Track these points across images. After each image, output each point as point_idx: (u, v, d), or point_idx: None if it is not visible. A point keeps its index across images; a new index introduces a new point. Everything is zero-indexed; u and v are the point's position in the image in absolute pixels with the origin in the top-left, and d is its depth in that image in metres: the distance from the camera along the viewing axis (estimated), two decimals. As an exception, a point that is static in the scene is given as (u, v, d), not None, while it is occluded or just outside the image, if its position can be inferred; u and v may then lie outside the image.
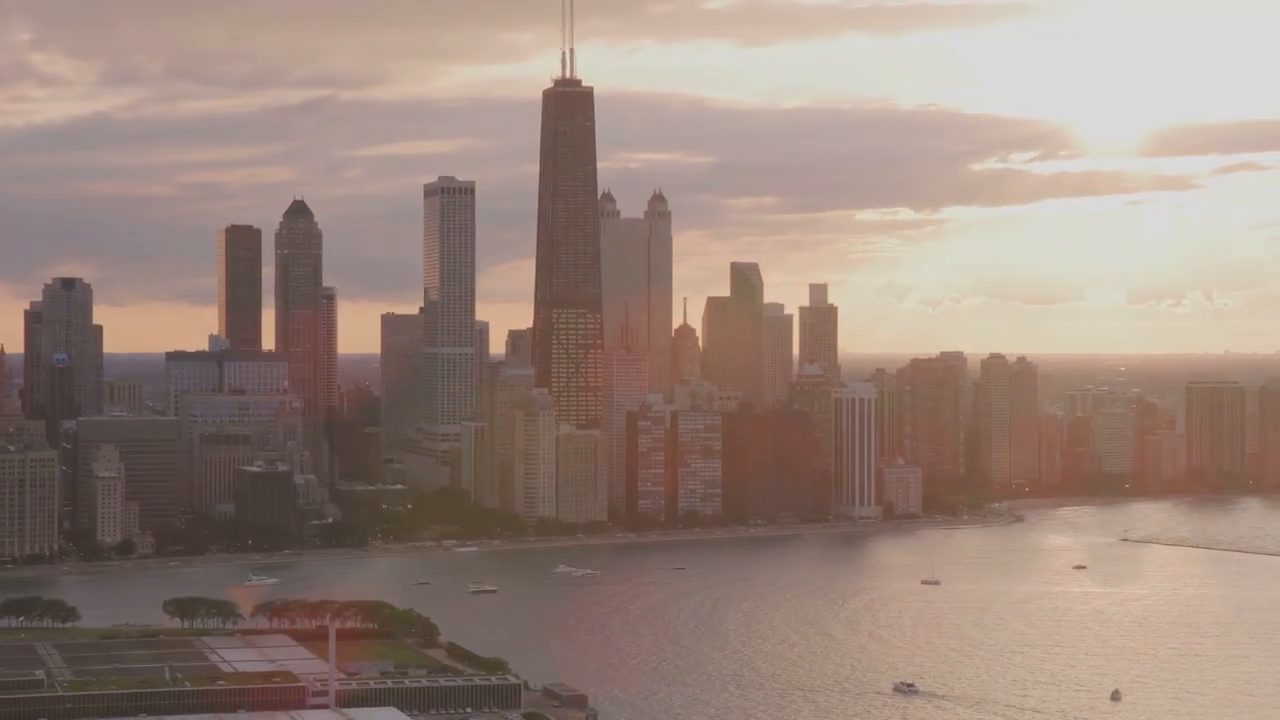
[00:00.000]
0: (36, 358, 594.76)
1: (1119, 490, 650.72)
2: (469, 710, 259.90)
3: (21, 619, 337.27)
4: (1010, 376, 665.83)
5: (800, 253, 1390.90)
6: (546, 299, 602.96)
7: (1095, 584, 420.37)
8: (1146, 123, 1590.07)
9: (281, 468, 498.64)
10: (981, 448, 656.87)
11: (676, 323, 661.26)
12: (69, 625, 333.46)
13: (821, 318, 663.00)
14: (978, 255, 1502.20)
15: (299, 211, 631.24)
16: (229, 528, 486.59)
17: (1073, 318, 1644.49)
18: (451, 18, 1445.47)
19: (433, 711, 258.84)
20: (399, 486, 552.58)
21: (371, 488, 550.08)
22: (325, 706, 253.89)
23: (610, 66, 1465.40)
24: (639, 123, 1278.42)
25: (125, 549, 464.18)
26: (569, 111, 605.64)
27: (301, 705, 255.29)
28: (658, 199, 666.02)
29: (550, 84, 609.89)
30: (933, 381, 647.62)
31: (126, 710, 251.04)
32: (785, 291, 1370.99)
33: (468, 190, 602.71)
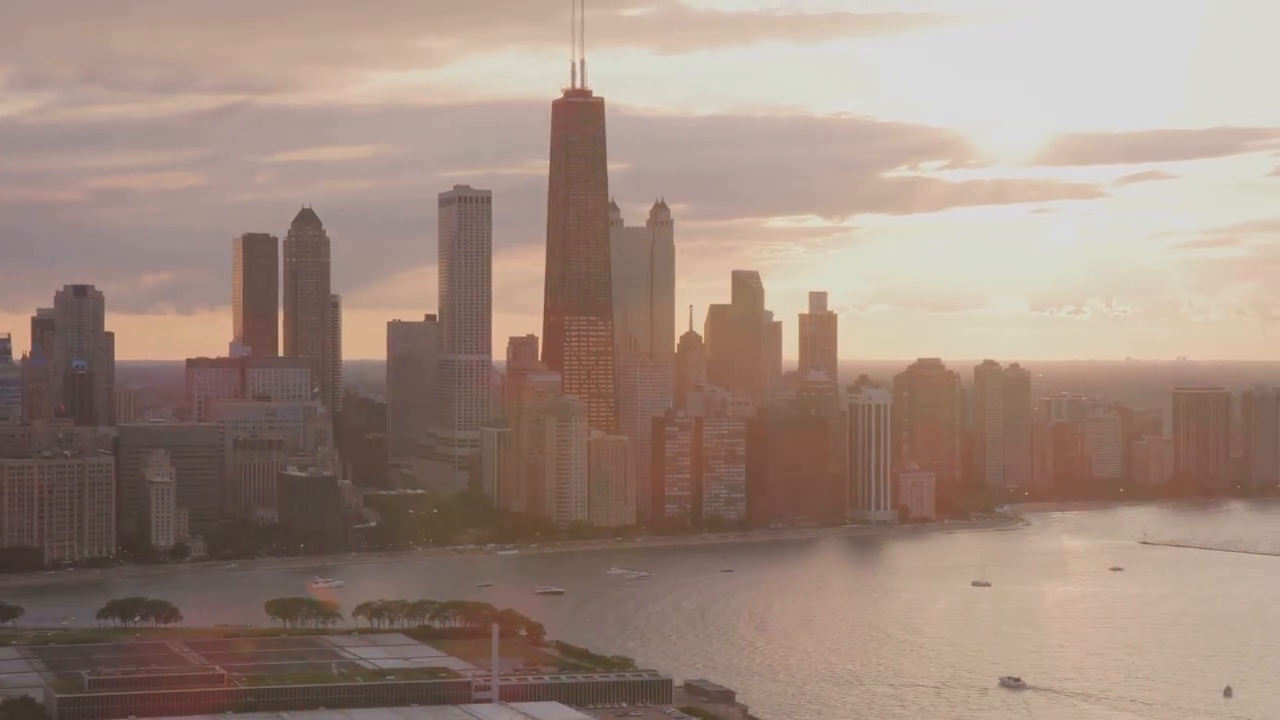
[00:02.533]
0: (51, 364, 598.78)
1: (1112, 494, 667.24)
2: (624, 705, 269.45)
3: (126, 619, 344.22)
4: (1004, 383, 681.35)
5: (708, 259, 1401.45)
6: (558, 306, 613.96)
7: (1139, 585, 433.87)
8: (1055, 132, 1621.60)
9: (326, 473, 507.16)
10: (976, 452, 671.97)
11: (678, 330, 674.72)
12: (171, 625, 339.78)
13: (821, 325, 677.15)
14: (884, 263, 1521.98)
15: (307, 220, 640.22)
16: (278, 531, 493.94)
17: (974, 325, 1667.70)
18: (369, 23, 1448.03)
19: (590, 707, 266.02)
20: (421, 491, 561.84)
21: (394, 493, 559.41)
22: (489, 701, 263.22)
23: (526, 75, 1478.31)
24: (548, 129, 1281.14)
25: (179, 552, 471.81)
26: (580, 121, 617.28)
27: (468, 700, 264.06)
28: (660, 208, 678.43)
29: (560, 94, 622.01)
30: (929, 388, 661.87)
31: (304, 704, 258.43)
32: (694, 297, 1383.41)
33: (484, 199, 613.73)
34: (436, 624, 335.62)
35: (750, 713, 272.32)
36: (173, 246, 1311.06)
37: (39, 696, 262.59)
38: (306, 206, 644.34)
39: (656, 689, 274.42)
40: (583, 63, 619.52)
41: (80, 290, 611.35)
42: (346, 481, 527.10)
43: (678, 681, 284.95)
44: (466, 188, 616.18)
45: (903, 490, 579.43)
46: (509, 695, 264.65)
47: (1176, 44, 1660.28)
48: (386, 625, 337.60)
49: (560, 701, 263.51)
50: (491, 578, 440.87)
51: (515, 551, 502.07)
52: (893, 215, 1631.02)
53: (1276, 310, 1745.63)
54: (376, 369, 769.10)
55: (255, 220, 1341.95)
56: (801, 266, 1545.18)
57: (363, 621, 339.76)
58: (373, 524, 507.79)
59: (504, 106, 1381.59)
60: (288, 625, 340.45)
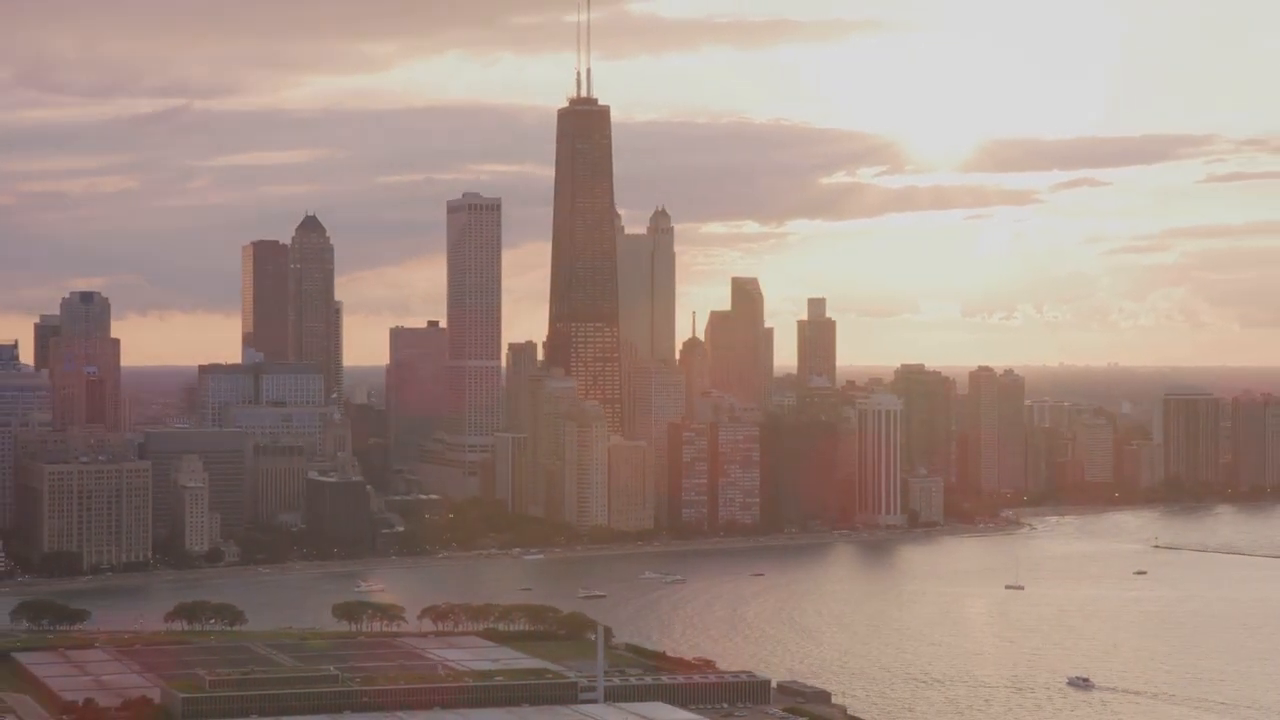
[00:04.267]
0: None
1: (1106, 499, 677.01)
2: (725, 706, 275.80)
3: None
4: (998, 389, 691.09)
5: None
6: (564, 313, 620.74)
7: (1167, 588, 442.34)
8: (992, 139, 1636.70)
9: (355, 478, 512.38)
10: (971, 457, 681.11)
11: (678, 336, 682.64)
12: (236, 629, 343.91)
13: (820, 331, 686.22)
14: (818, 268, 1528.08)
15: (311, 226, 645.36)
16: (308, 536, 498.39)
17: (906, 330, 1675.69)
18: (309, 28, 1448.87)
19: (692, 707, 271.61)
20: (435, 496, 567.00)
21: (409, 498, 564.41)
22: (595, 702, 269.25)
23: (470, 79, 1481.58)
24: (491, 134, 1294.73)
25: (213, 557, 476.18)
26: (586, 129, 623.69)
27: (574, 700, 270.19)
28: (661, 215, 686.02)
29: (565, 103, 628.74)
30: (924, 393, 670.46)
31: (419, 704, 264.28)
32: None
33: (494, 207, 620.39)
34: (501, 627, 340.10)
35: (851, 713, 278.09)
36: (106, 251, 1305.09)
37: (154, 697, 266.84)
38: (310, 213, 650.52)
39: (755, 690, 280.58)
40: (589, 72, 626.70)
41: (87, 297, 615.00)
42: (369, 487, 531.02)
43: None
44: (476, 195, 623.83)
45: (912, 495, 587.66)
46: (614, 696, 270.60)
47: (1111, 52, 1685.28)
48: (450, 628, 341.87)
49: (664, 702, 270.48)
50: (526, 582, 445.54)
51: (540, 556, 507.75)
52: (829, 221, 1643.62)
53: (1205, 316, 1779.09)
54: (364, 374, 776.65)
55: (189, 225, 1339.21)
56: (737, 273, 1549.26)
57: (427, 624, 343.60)
58: (400, 529, 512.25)
59: (445, 111, 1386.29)
60: (350, 627, 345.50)
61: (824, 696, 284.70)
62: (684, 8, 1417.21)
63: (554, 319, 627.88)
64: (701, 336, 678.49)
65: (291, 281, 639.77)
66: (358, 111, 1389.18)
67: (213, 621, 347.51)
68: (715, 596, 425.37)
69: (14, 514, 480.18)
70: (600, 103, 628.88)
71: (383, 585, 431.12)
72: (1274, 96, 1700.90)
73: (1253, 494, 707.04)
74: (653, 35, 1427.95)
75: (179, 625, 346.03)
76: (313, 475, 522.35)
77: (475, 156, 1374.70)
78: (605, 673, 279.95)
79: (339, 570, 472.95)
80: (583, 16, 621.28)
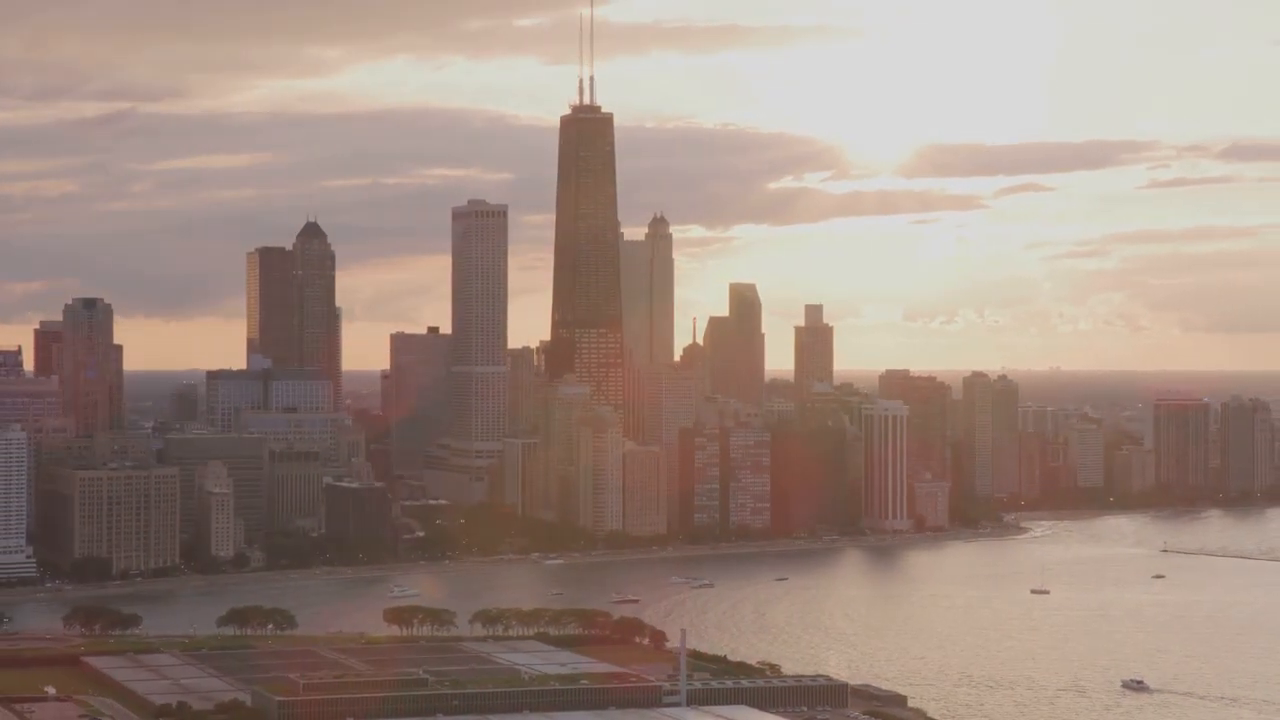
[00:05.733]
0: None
1: (1100, 503, 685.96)
2: (805, 709, 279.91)
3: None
4: (993, 394, 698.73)
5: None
6: (568, 319, 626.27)
7: (1190, 591, 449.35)
8: (937, 144, 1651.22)
9: (376, 484, 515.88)
10: (966, 462, 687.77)
11: (677, 341, 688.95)
12: (287, 633, 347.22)
13: (818, 337, 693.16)
14: (761, 273, 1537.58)
15: (313, 233, 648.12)
16: (331, 542, 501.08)
17: (848, 335, 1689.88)
18: (259, 32, 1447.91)
19: (773, 710, 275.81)
20: (444, 501, 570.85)
21: (419, 503, 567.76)
22: (678, 705, 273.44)
23: (419, 82, 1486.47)
24: (440, 138, 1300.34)
25: (239, 562, 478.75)
26: (589, 137, 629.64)
27: (658, 704, 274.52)
28: (659, 221, 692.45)
29: (568, 110, 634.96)
30: (919, 399, 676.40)
31: (508, 707, 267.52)
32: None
33: (500, 213, 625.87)
34: (551, 630, 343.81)
35: (929, 716, 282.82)
36: (46, 255, 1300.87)
37: (245, 699, 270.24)
38: (312, 219, 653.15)
39: (833, 693, 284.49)
40: (592, 79, 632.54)
41: (90, 303, 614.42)
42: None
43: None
44: (482, 202, 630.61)
45: (918, 500, 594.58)
46: (695, 699, 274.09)
47: (1054, 58, 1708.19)
48: (501, 632, 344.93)
49: (747, 705, 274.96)
50: (550, 586, 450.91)
51: (560, 561, 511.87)
52: (774, 226, 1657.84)
53: (1143, 321, 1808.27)
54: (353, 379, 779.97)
55: (129, 228, 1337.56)
56: (680, 277, 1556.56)
57: (479, 629, 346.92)
58: (421, 534, 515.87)
59: (393, 115, 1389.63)
60: (401, 631, 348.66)
61: (900, 700, 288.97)
62: (633, 13, 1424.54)
63: (556, 325, 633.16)
64: (701, 342, 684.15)
65: (294, 287, 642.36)
66: (304, 115, 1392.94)
67: (270, 626, 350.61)
68: (744, 600, 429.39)
69: (39, 520, 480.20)
70: (604, 110, 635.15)
71: (417, 590, 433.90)
72: (1215, 103, 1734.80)
73: (1241, 498, 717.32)
74: (604, 40, 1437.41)
75: (231, 630, 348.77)
76: (329, 481, 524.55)
77: (424, 161, 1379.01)
78: (699, 676, 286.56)
79: (365, 575, 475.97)
80: (585, 22, 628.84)
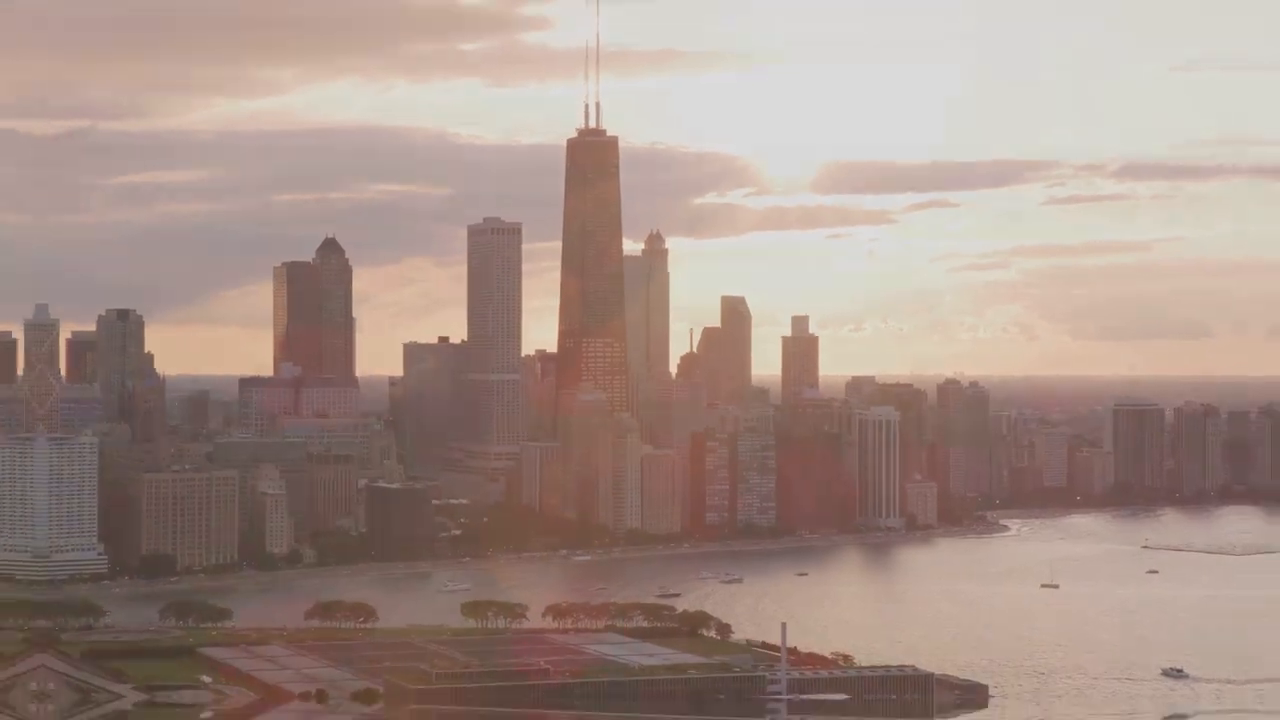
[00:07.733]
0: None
1: (1067, 502, 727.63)
2: (894, 697, 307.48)
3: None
4: (965, 400, 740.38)
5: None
6: (575, 329, 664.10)
7: (1187, 585, 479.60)
8: (853, 162, 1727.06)
9: (417, 486, 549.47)
10: (941, 464, 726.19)
11: (672, 352, 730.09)
12: (369, 625, 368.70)
13: (804, 346, 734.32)
14: (681, 286, 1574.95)
15: (331, 248, 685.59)
16: (374, 540, 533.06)
17: (763, 343, 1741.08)
18: (214, 53, 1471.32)
19: (866, 699, 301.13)
20: (463, 501, 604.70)
21: (440, 502, 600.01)
22: (779, 695, 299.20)
23: (364, 104, 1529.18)
24: (385, 155, 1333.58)
25: (293, 559, 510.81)
26: (595, 159, 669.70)
27: (762, 692, 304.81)
28: (655, 237, 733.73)
29: (574, 133, 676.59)
30: (899, 404, 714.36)
31: (618, 695, 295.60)
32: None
33: (514, 230, 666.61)
34: (619, 623, 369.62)
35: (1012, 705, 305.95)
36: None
37: (377, 688, 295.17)
38: (330, 235, 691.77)
39: (920, 683, 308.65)
40: (598, 105, 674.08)
41: (123, 314, 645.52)
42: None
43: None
44: (497, 219, 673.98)
45: (910, 499, 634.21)
46: (795, 688, 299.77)
47: (961, 83, 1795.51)
48: (572, 624, 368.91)
49: (844, 694, 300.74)
50: (586, 581, 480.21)
51: (588, 558, 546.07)
52: (698, 240, 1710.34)
53: (1037, 330, 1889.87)
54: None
55: (81, 240, 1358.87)
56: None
57: (550, 621, 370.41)
58: (458, 532, 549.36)
59: (340, 134, 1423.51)
60: (477, 624, 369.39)
61: (981, 689, 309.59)
62: (573, 39, 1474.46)
63: (563, 335, 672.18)
64: (696, 352, 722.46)
65: (314, 299, 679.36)
66: (255, 133, 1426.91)
67: (361, 620, 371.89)
68: (770, 593, 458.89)
69: (104, 519, 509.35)
70: (609, 133, 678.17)
71: (467, 584, 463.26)
72: (1111, 123, 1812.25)
73: (1195, 498, 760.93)
74: (543, 64, 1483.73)
75: (314, 623, 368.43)
76: (364, 482, 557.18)
77: (369, 176, 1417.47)
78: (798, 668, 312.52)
79: (412, 571, 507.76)
80: (591, 48, 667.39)
